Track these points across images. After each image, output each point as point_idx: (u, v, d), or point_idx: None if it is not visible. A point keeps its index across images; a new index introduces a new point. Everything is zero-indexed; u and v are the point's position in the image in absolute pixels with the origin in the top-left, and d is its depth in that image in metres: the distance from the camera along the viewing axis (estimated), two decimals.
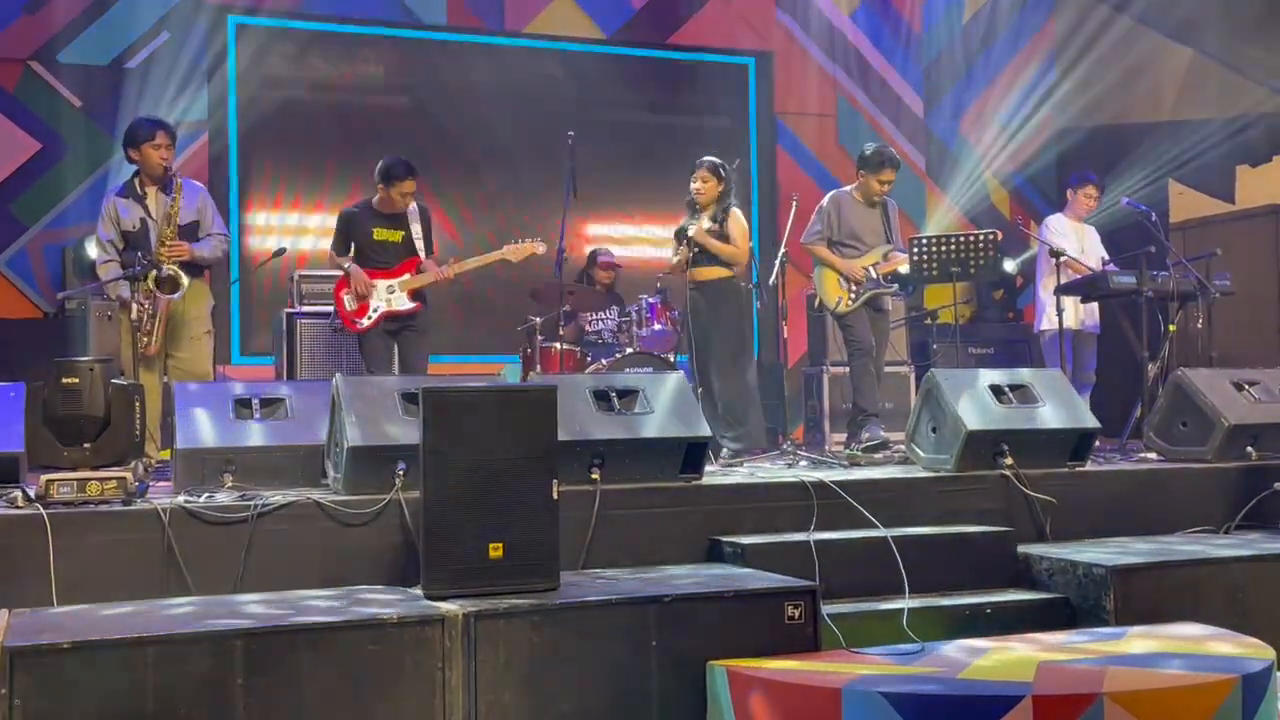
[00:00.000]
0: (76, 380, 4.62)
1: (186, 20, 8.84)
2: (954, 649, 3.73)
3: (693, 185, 6.77)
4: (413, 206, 6.49)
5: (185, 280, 5.77)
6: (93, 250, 6.60)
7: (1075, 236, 7.60)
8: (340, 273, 6.57)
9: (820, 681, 3.37)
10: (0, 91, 8.41)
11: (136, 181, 6.00)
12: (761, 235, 9.98)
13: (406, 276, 6.38)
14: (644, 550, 4.43)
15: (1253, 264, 8.59)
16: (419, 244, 6.44)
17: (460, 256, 6.89)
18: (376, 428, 4.32)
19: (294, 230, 9.06)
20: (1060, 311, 6.90)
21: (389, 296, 6.35)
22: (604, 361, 7.17)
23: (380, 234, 6.42)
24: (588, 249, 8.54)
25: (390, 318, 6.36)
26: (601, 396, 4.75)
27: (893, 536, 4.56)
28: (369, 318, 6.34)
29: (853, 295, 6.67)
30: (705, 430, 4.81)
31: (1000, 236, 6.92)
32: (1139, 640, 3.80)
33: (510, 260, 6.64)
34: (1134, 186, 9.26)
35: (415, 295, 6.40)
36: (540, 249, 6.66)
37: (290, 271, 7.60)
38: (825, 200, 6.88)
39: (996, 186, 11.00)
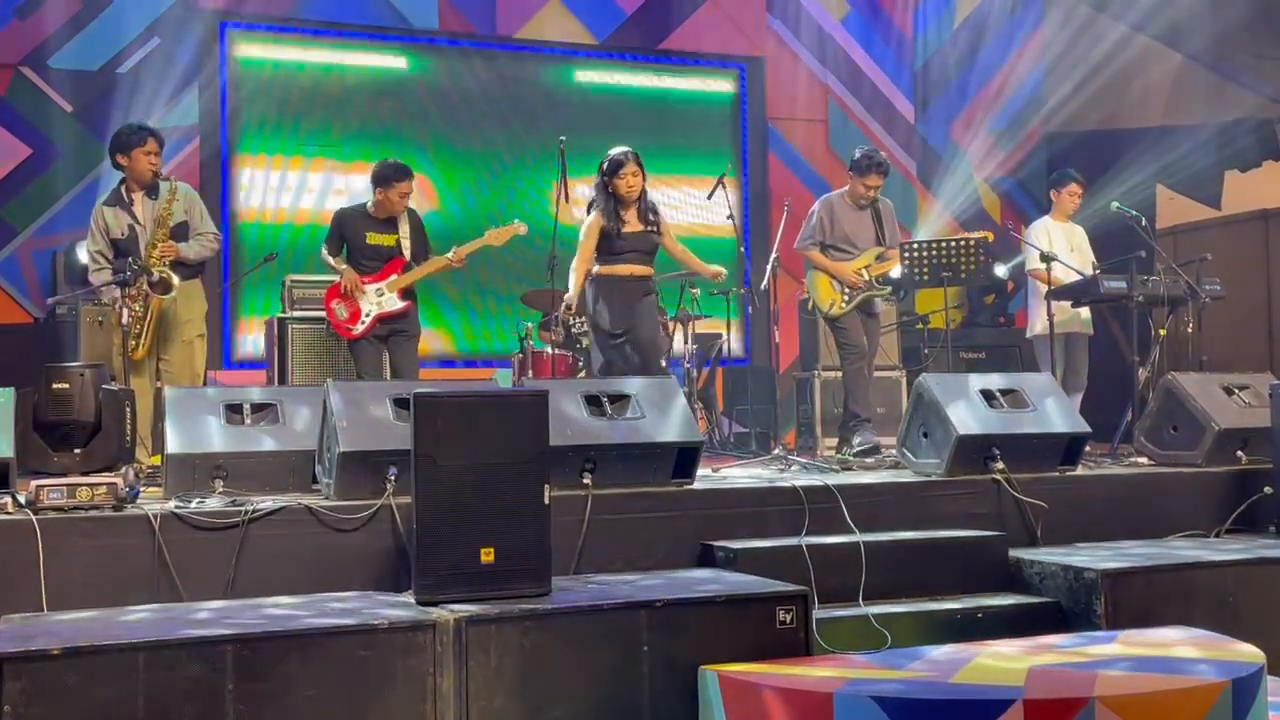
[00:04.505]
0: (67, 386, 4.62)
1: (178, 25, 8.85)
2: (945, 653, 3.73)
3: (634, 180, 6.28)
4: (403, 211, 6.50)
5: (176, 280, 5.77)
6: (83, 256, 6.60)
7: (1064, 237, 7.61)
8: (329, 281, 6.56)
9: (812, 686, 3.37)
10: None
11: (123, 189, 5.99)
12: (753, 240, 10.01)
13: (394, 277, 6.38)
14: (636, 555, 4.43)
15: (1240, 269, 8.61)
16: (405, 244, 6.44)
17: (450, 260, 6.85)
18: (368, 433, 4.32)
19: (285, 235, 9.04)
20: (1050, 316, 6.92)
21: (379, 300, 6.35)
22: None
23: (374, 238, 6.42)
24: None
25: (383, 320, 6.35)
26: (593, 401, 4.75)
27: (884, 541, 4.57)
28: (362, 323, 6.34)
29: (845, 297, 6.69)
30: (698, 435, 4.82)
31: (991, 238, 6.95)
32: (1130, 644, 3.80)
33: (493, 244, 6.60)
34: (1123, 191, 9.29)
35: (405, 294, 6.40)
36: (522, 230, 6.62)
37: (281, 277, 7.58)
38: (817, 205, 6.90)
39: (987, 191, 11.04)
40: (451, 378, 8.75)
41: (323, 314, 6.75)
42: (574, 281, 6.36)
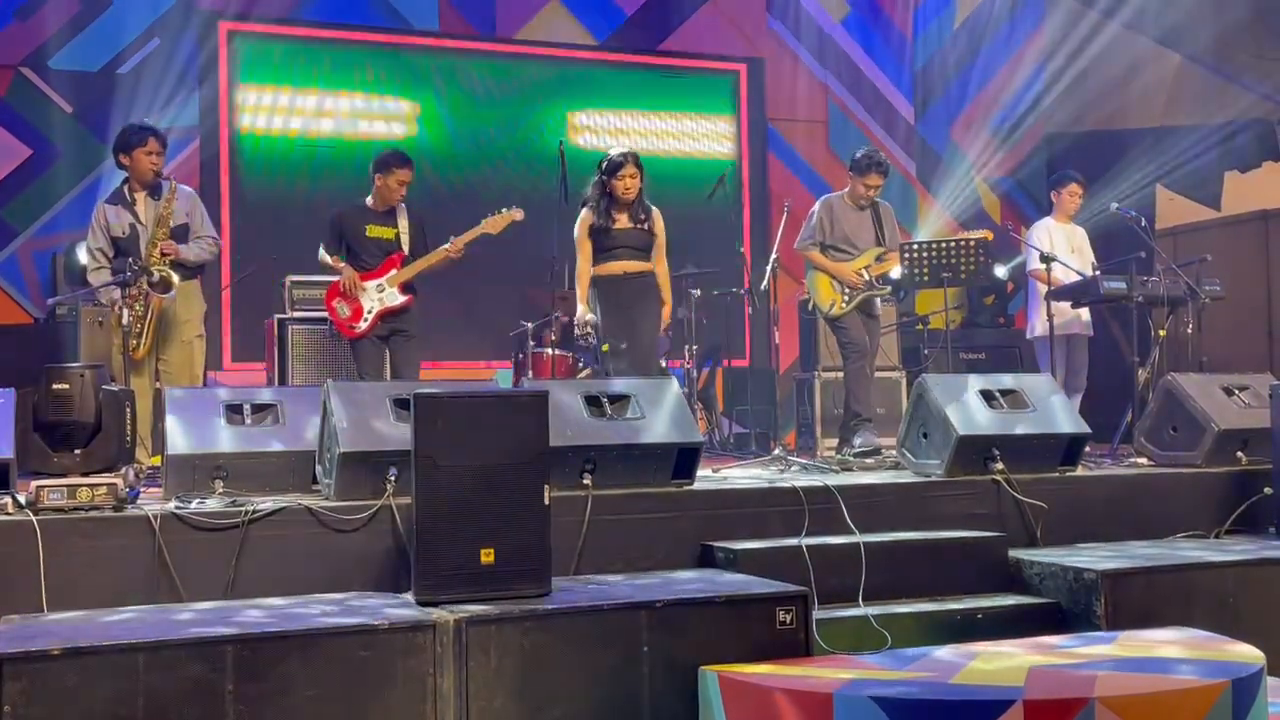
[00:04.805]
0: (67, 386, 4.62)
1: (177, 26, 8.85)
2: (945, 654, 3.73)
3: (632, 182, 6.33)
4: (402, 205, 6.50)
5: (176, 278, 5.78)
6: (83, 257, 6.61)
7: (1065, 238, 7.61)
8: (329, 281, 6.56)
9: (812, 686, 3.37)
10: None
11: (126, 188, 6.01)
12: (753, 241, 10.00)
13: (393, 272, 6.38)
14: (636, 555, 4.44)
15: (1240, 270, 8.62)
16: (404, 238, 6.44)
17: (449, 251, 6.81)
18: (368, 433, 4.32)
19: (285, 236, 9.04)
20: (1050, 317, 6.92)
21: (380, 295, 6.35)
22: (596, 367, 7.18)
23: (374, 230, 6.43)
24: None
25: (385, 316, 6.35)
26: (593, 401, 4.75)
27: (884, 542, 4.57)
28: (365, 320, 6.33)
29: (846, 297, 6.69)
30: (698, 436, 4.82)
31: (991, 238, 6.95)
32: (1130, 645, 3.81)
33: (491, 232, 6.59)
34: (1123, 192, 9.29)
35: (406, 288, 6.40)
36: (519, 216, 6.59)
37: (281, 277, 7.58)
38: (817, 205, 6.91)
39: (987, 192, 11.04)
40: (451, 378, 8.75)
41: (323, 314, 6.75)
42: (580, 291, 6.37)
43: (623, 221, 6.38)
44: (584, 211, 6.44)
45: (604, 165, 6.37)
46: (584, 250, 6.40)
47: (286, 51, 9.21)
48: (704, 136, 10.36)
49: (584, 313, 6.37)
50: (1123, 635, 3.96)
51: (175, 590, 3.89)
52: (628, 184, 6.31)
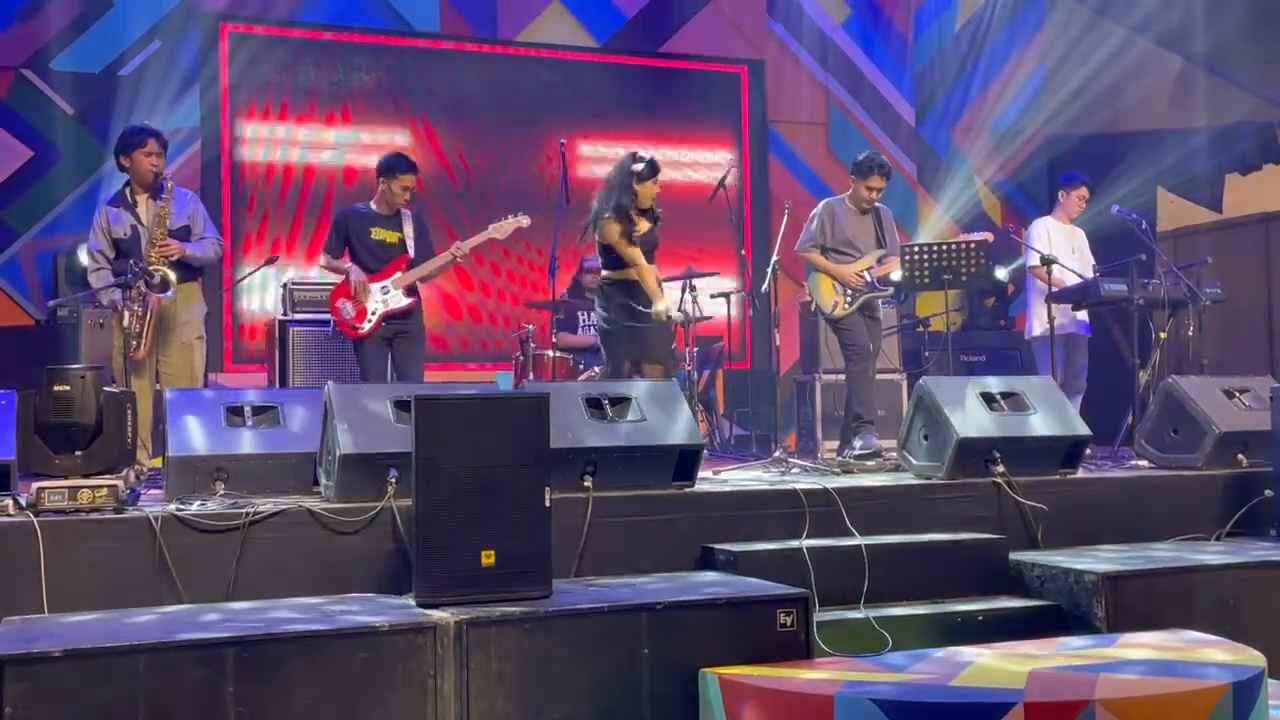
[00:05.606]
0: (68, 388, 4.62)
1: (179, 28, 8.86)
2: (946, 656, 3.74)
3: (656, 189, 6.38)
4: (405, 210, 6.50)
5: (174, 277, 5.77)
6: (84, 258, 6.61)
7: (1065, 239, 7.61)
8: (330, 284, 6.56)
9: (812, 689, 3.38)
10: None
11: (127, 190, 6.01)
12: (754, 243, 10.01)
13: (398, 275, 6.39)
14: (636, 558, 4.44)
15: (1241, 272, 8.62)
16: (410, 243, 6.45)
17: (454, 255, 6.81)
18: (369, 435, 4.32)
19: (286, 238, 9.05)
20: (1051, 318, 6.92)
21: (384, 297, 6.35)
22: (597, 369, 7.18)
23: (378, 234, 6.43)
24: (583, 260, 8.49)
25: (389, 319, 6.35)
26: (594, 404, 4.75)
27: (885, 544, 4.57)
28: (369, 321, 6.33)
29: (848, 299, 6.70)
30: (698, 438, 4.82)
31: (992, 239, 6.95)
32: (1130, 647, 3.81)
33: (497, 238, 6.61)
34: (1124, 195, 9.29)
35: (410, 291, 6.41)
36: (525, 222, 6.60)
37: (283, 279, 7.59)
38: (819, 207, 6.92)
39: (988, 194, 11.04)
40: (453, 379, 8.75)
41: (324, 316, 6.75)
42: (652, 285, 6.23)
43: (642, 227, 6.29)
44: (612, 221, 6.21)
45: (640, 170, 6.22)
46: (630, 252, 6.21)
47: (287, 52, 9.21)
48: (705, 139, 10.37)
49: (666, 305, 6.27)
50: (1123, 638, 3.96)
51: (176, 592, 3.90)
52: (655, 191, 6.29)
